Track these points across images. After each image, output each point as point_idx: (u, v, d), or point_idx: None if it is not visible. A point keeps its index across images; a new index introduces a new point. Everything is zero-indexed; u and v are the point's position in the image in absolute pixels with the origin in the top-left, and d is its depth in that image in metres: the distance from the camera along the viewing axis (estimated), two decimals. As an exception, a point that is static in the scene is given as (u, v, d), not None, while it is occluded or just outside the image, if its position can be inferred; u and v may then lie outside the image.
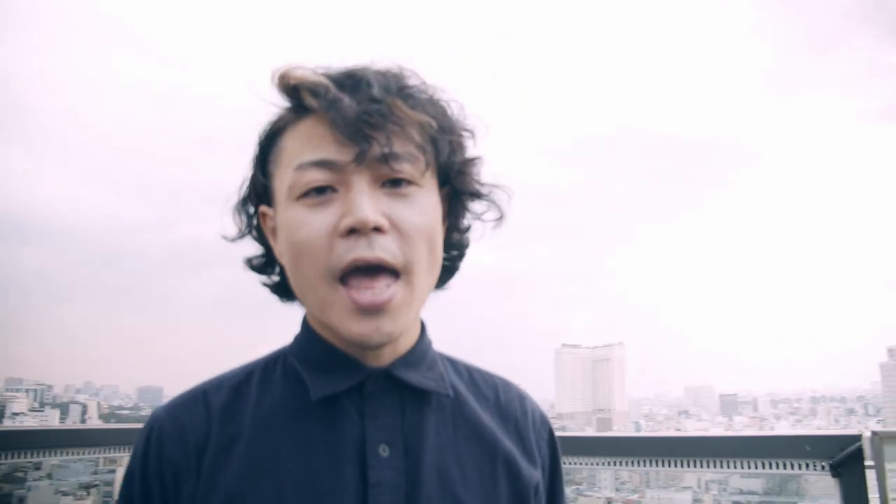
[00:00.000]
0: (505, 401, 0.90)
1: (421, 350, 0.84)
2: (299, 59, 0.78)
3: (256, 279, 0.90)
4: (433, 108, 0.80)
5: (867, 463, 2.19)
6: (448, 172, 0.83)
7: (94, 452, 3.52)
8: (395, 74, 0.79)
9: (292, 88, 0.78)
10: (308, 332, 0.84)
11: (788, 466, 2.31)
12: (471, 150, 0.85)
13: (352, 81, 0.76)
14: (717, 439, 2.87)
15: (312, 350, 0.82)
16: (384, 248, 0.73)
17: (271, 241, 0.85)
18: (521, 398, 0.93)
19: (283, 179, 0.78)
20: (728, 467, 2.39)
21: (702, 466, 2.50)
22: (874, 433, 2.18)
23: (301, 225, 0.75)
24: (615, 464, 2.90)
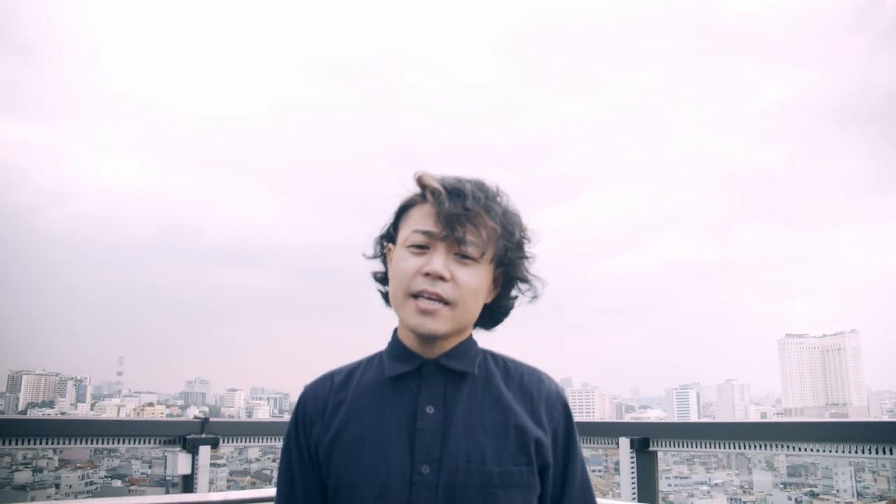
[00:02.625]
0: (527, 382, 1.36)
1: (463, 348, 1.32)
2: (433, 170, 1.30)
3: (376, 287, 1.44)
4: (504, 217, 1.29)
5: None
6: (503, 260, 1.30)
7: (264, 441, 4.60)
8: (486, 191, 1.29)
9: (422, 186, 1.30)
10: (394, 338, 1.36)
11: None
12: (527, 250, 1.35)
13: (456, 191, 1.26)
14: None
15: (394, 348, 1.34)
16: (443, 289, 1.24)
17: (388, 267, 1.37)
18: (540, 381, 1.37)
19: (404, 233, 1.31)
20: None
21: None
22: None
23: (403, 260, 1.27)
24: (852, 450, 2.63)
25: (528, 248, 1.36)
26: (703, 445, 3.31)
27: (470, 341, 1.35)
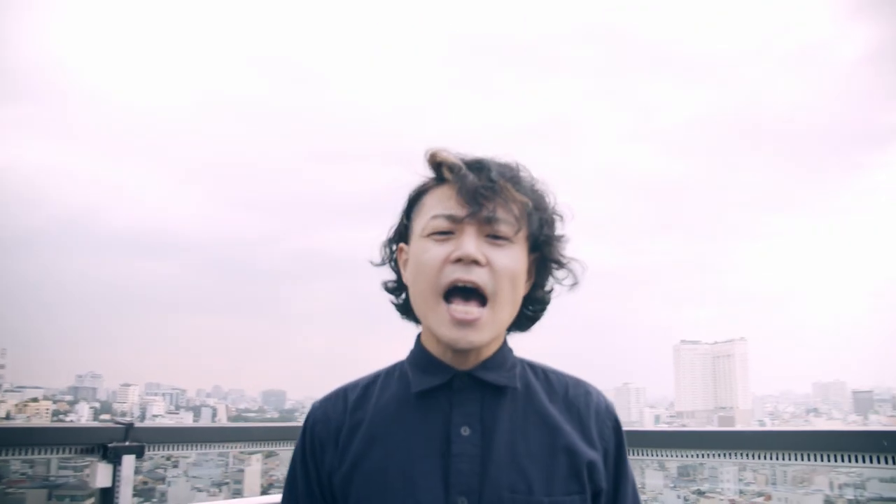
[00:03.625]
0: (573, 395, 1.17)
1: (499, 357, 1.14)
2: (443, 144, 1.13)
3: (387, 298, 1.25)
4: (533, 193, 1.13)
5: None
6: (537, 242, 1.13)
7: (225, 447, 3.77)
8: (510, 166, 1.13)
9: (437, 164, 1.12)
10: (418, 346, 1.18)
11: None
12: (559, 229, 1.18)
13: (478, 166, 1.09)
14: (855, 434, 2.71)
15: (420, 359, 1.15)
16: (478, 276, 1.05)
17: (402, 271, 1.19)
18: (587, 394, 1.18)
19: (420, 223, 1.12)
20: (866, 462, 2.28)
21: (836, 461, 2.39)
22: None
23: (426, 251, 1.08)
24: (738, 455, 2.87)
25: (561, 228, 1.18)
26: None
27: (506, 348, 1.17)
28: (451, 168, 1.10)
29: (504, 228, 1.07)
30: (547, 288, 1.19)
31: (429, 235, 1.09)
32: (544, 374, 1.19)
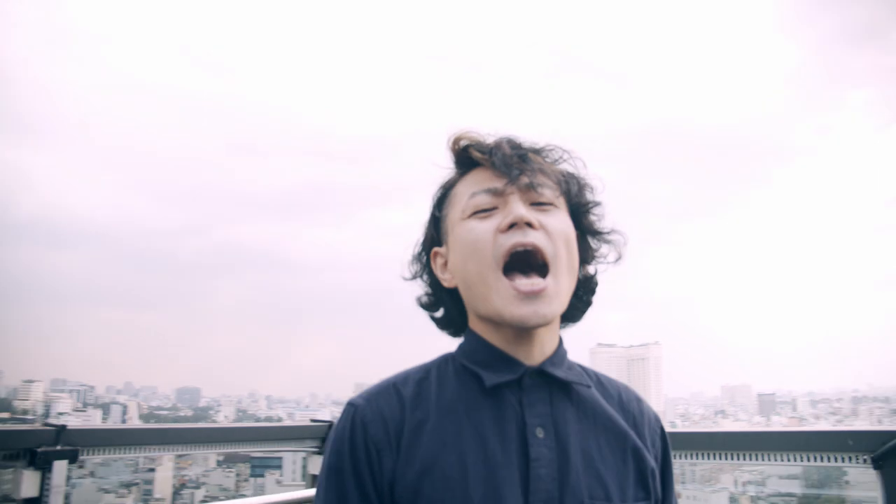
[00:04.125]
0: (626, 400, 1.12)
1: (562, 354, 1.08)
2: (467, 126, 1.09)
3: (426, 315, 1.18)
4: (565, 158, 1.11)
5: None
6: (577, 211, 1.09)
7: (136, 451, 3.58)
8: (537, 142, 1.09)
9: (463, 148, 1.08)
10: (476, 339, 1.07)
11: (831, 460, 2.37)
12: (595, 196, 1.13)
13: (507, 140, 1.06)
14: (758, 434, 2.89)
15: (482, 352, 1.05)
16: (536, 238, 0.99)
17: (439, 274, 1.12)
18: (638, 400, 1.15)
19: (457, 210, 1.07)
20: (769, 460, 2.42)
21: (741, 459, 2.52)
22: (913, 427, 2.30)
23: (473, 230, 1.02)
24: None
25: (594, 196, 1.13)
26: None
27: (563, 343, 1.10)
28: (480, 147, 1.06)
29: (548, 193, 1.04)
30: (592, 267, 1.14)
31: (470, 216, 1.04)
32: (596, 377, 1.13)
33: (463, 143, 1.08)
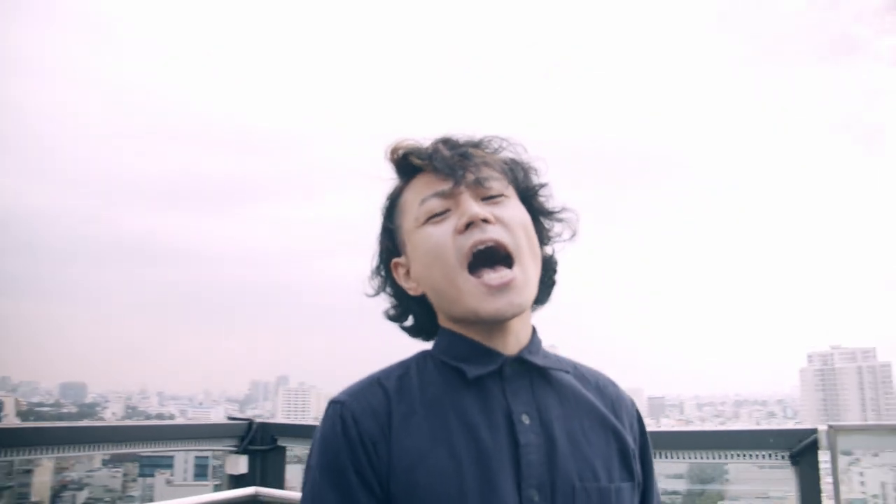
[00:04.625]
0: (602, 385, 1.15)
1: (537, 342, 1.10)
2: (405, 135, 1.10)
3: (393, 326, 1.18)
4: (503, 147, 1.13)
5: (821, 453, 2.49)
6: (526, 196, 1.11)
7: (11, 454, 3.23)
8: (473, 136, 1.10)
9: (402, 156, 1.09)
10: (452, 335, 1.08)
11: (752, 457, 2.52)
12: (540, 179, 1.15)
13: (443, 141, 1.08)
14: (684, 434, 3.05)
15: (460, 346, 1.06)
16: (494, 232, 1.00)
17: (403, 284, 1.13)
18: (614, 385, 1.17)
19: (409, 218, 1.08)
20: (698, 458, 2.58)
21: (679, 458, 2.66)
22: (830, 426, 2.46)
23: (430, 236, 1.03)
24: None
25: (540, 178, 1.15)
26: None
27: (536, 332, 1.12)
28: (419, 153, 1.08)
29: (496, 185, 1.06)
30: (548, 247, 1.16)
31: (424, 223, 1.05)
32: (572, 364, 1.15)
33: (401, 151, 1.09)
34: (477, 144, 1.10)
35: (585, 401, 1.09)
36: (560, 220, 1.16)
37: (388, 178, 1.14)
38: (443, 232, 1.02)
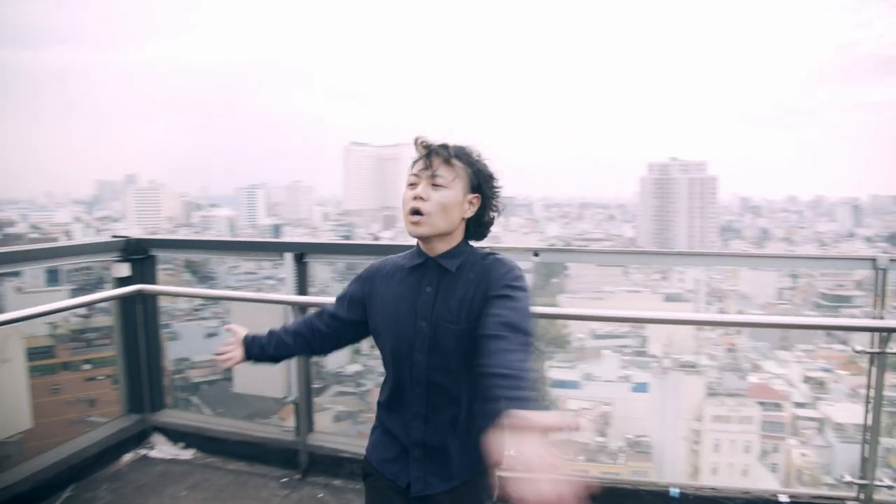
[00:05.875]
0: (489, 264, 1.78)
1: (455, 251, 1.84)
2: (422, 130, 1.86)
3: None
4: (466, 156, 1.81)
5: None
6: (477, 186, 1.82)
7: None
8: (451, 145, 1.81)
9: (418, 144, 1.84)
10: (417, 244, 1.88)
11: None
12: (491, 175, 1.85)
13: (428, 143, 1.81)
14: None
15: (415, 249, 1.89)
16: (420, 205, 1.76)
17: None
18: (500, 262, 1.79)
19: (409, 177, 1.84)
20: None
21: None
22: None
23: (405, 193, 1.80)
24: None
25: (496, 182, 1.85)
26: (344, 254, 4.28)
27: (462, 245, 1.86)
28: (415, 146, 1.83)
29: (440, 180, 1.76)
30: (489, 215, 1.88)
31: (407, 186, 1.80)
32: (484, 257, 1.82)
33: (419, 141, 1.82)
34: (450, 148, 1.79)
35: (466, 279, 1.78)
36: (496, 206, 1.87)
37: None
38: (409, 194, 1.78)
